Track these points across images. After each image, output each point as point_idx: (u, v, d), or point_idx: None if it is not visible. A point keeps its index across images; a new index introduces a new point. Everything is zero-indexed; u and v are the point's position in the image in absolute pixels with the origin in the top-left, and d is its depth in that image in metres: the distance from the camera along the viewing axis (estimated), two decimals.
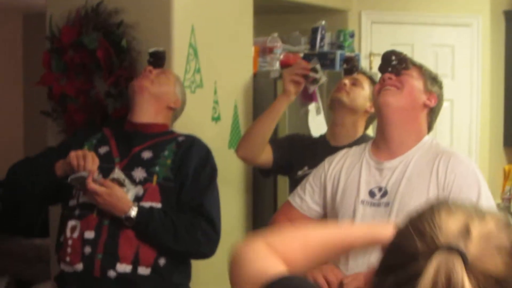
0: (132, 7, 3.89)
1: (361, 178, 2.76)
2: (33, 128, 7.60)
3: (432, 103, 2.80)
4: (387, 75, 2.79)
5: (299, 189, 2.96)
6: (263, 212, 4.41)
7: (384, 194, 2.69)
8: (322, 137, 3.66)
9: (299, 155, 3.60)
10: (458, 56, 6.49)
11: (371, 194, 2.71)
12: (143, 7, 3.89)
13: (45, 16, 4.18)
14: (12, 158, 7.49)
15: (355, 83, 3.52)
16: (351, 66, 3.61)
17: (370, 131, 3.84)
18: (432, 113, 2.83)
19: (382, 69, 2.83)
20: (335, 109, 3.55)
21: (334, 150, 3.12)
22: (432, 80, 2.83)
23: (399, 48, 2.92)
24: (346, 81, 3.53)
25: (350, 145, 3.22)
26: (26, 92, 7.82)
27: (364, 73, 3.68)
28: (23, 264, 6.80)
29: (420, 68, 2.84)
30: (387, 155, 2.76)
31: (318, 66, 3.39)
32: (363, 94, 3.50)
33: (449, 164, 2.65)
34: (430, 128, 2.85)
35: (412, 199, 2.62)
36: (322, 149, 3.45)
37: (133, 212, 2.96)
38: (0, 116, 7.63)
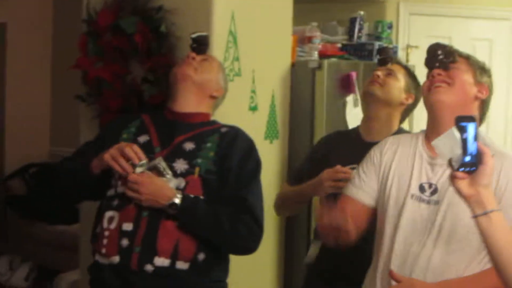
0: None
1: (414, 170, 2.65)
2: (61, 112, 7.53)
3: (484, 95, 2.70)
4: (436, 71, 2.68)
5: (352, 180, 2.85)
6: None
7: (434, 191, 2.59)
8: (354, 132, 3.51)
9: (333, 152, 3.44)
10: (496, 50, 6.43)
11: (421, 188, 2.61)
12: None
13: None
14: (38, 143, 7.55)
15: (389, 74, 3.38)
16: (386, 56, 3.49)
17: (406, 124, 3.73)
18: (484, 104, 2.73)
19: (429, 64, 2.72)
20: (368, 102, 3.42)
21: (368, 145, 3.00)
22: (481, 71, 2.73)
23: (437, 41, 2.81)
24: (379, 73, 3.39)
25: None
26: (54, 75, 7.74)
27: (399, 63, 3.55)
28: (46, 250, 6.75)
29: (467, 59, 2.73)
30: (435, 154, 2.64)
31: None
32: (398, 86, 3.37)
33: (502, 167, 2.52)
34: (482, 120, 2.75)
35: (462, 201, 2.52)
36: (355, 145, 3.34)
37: (177, 199, 2.87)
38: (26, 99, 7.55)
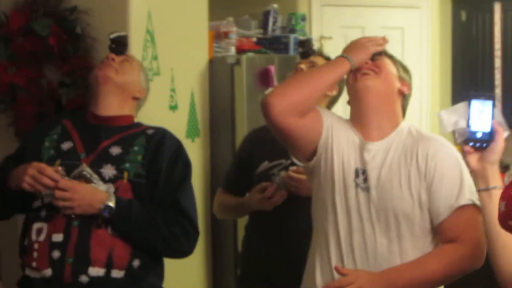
0: None
1: (350, 154, 2.61)
2: None
3: (406, 90, 2.72)
4: None
5: None
6: None
7: (365, 177, 2.57)
8: None
9: (259, 149, 3.40)
10: (408, 38, 6.52)
11: (356, 174, 2.58)
12: None
13: None
14: None
15: (312, 67, 3.32)
16: (307, 49, 3.47)
17: None
18: (405, 100, 2.74)
19: None
20: None
21: None
22: (403, 68, 2.76)
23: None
24: (303, 66, 3.35)
25: None
26: None
27: (320, 55, 3.52)
28: None
29: (390, 56, 2.76)
30: (364, 139, 2.63)
31: None
32: None
33: (429, 150, 2.54)
34: (403, 116, 2.75)
35: (393, 187, 2.53)
36: None
37: (111, 202, 2.78)
38: None
